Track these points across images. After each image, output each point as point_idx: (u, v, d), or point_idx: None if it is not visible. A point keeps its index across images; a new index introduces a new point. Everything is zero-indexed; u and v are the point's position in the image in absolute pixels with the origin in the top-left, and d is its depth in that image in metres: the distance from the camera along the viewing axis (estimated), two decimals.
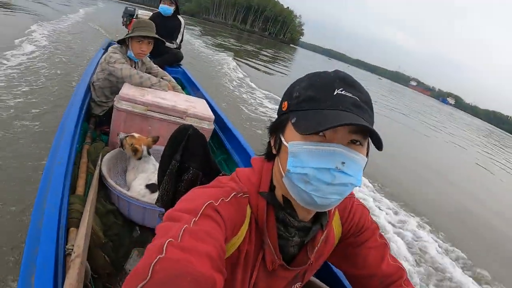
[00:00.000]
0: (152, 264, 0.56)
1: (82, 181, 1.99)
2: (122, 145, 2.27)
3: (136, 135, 2.27)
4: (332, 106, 0.74)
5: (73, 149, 1.99)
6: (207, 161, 1.26)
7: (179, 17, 4.99)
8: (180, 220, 0.69)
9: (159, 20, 4.43)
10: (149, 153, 2.30)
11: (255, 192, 0.87)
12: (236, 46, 31.28)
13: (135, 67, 3.00)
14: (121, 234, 2.00)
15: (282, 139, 0.81)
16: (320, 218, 0.92)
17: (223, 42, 29.08)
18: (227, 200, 0.79)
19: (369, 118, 0.77)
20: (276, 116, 0.88)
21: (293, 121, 0.77)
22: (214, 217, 0.73)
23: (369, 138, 0.78)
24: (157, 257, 0.58)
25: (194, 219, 0.70)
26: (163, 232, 0.66)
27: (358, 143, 0.76)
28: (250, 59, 21.70)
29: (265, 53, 34.25)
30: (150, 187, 2.14)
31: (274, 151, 0.86)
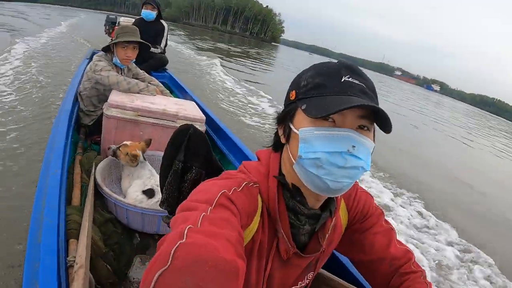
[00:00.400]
0: (173, 249, 0.53)
1: (78, 191, 1.95)
2: (115, 156, 2.23)
3: (128, 142, 2.23)
4: (340, 91, 0.76)
5: (65, 161, 1.94)
6: (209, 159, 1.26)
7: (162, 21, 4.95)
8: (196, 209, 0.67)
9: (142, 26, 4.38)
10: (144, 158, 2.26)
11: (265, 182, 0.86)
12: (218, 47, 31.45)
13: (121, 73, 2.96)
14: (121, 242, 1.96)
15: (292, 126, 0.82)
16: (328, 205, 0.92)
17: (204, 45, 29.14)
18: (239, 190, 0.78)
19: (376, 103, 0.78)
20: (283, 107, 0.89)
21: (303, 107, 0.77)
22: (228, 206, 0.72)
23: (375, 124, 0.79)
24: (178, 243, 0.55)
25: (210, 207, 0.68)
26: (181, 221, 0.63)
27: (365, 128, 0.78)
28: (234, 59, 21.97)
29: (248, 52, 34.82)
30: (147, 193, 2.11)
31: (283, 140, 0.87)
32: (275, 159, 0.90)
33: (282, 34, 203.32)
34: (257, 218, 0.83)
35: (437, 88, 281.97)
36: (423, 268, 1.05)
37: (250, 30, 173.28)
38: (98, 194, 2.01)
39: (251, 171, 0.89)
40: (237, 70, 16.57)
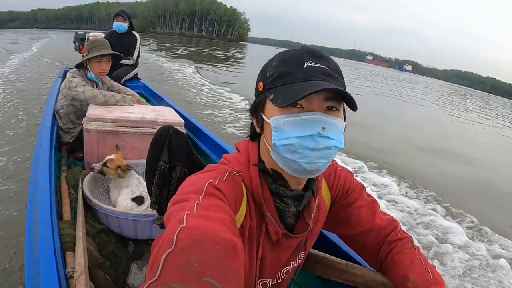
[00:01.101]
0: (176, 232, 0.59)
1: (67, 206, 1.97)
2: (102, 173, 2.23)
3: (112, 156, 2.24)
4: (304, 78, 0.79)
5: (52, 178, 1.96)
6: (191, 157, 1.28)
7: (134, 32, 4.93)
8: (189, 199, 0.72)
9: (114, 38, 4.38)
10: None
11: (246, 170, 0.91)
12: (186, 52, 31.39)
13: (96, 87, 2.97)
14: (116, 251, 1.99)
15: (264, 116, 0.86)
16: (310, 185, 0.97)
17: (173, 52, 29.03)
18: (223, 180, 0.82)
19: (340, 84, 0.83)
20: (254, 98, 0.92)
21: (270, 97, 0.81)
22: (217, 194, 0.76)
23: (344, 103, 0.83)
24: (179, 227, 0.61)
25: (200, 196, 0.73)
26: (177, 211, 0.68)
27: (334, 109, 0.81)
28: (203, 62, 22.27)
29: (216, 53, 35.12)
30: (137, 200, 2.14)
31: (258, 130, 0.91)
32: (253, 148, 0.94)
33: (248, 33, 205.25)
34: (243, 205, 0.87)
35: (409, 68, 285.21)
36: (409, 234, 1.11)
37: (217, 31, 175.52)
38: (88, 206, 2.03)
39: (232, 161, 0.94)
40: (209, 71, 16.98)
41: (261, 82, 0.87)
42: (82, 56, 3.04)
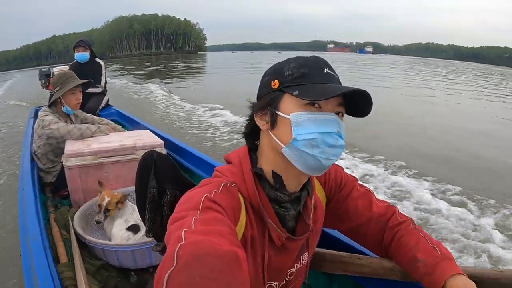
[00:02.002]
0: (175, 251, 0.59)
1: (62, 249, 1.93)
2: (107, 216, 2.18)
3: (105, 196, 2.16)
4: (325, 81, 0.84)
5: (41, 224, 1.92)
6: (179, 178, 1.28)
7: (97, 60, 4.88)
8: (186, 216, 0.72)
9: (78, 69, 4.29)
10: None
11: (241, 180, 0.91)
12: (148, 71, 31.20)
13: (70, 122, 2.92)
14: (119, 285, 1.96)
15: (279, 113, 0.86)
16: (305, 186, 0.98)
17: (136, 72, 28.83)
18: (219, 192, 0.82)
19: None
20: (259, 97, 0.94)
21: (295, 93, 0.83)
22: (214, 207, 0.76)
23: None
24: (178, 245, 0.60)
25: (198, 212, 0.73)
26: (175, 229, 0.68)
27: (340, 114, 0.88)
28: (168, 78, 22.56)
29: (178, 66, 35.42)
30: (132, 229, 2.10)
31: (264, 128, 0.91)
32: (245, 156, 0.94)
33: (205, 42, 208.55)
34: (243, 215, 0.88)
35: (370, 49, 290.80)
36: (409, 216, 1.13)
37: (175, 46, 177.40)
38: (83, 244, 1.99)
39: (226, 173, 0.93)
40: (176, 86, 17.23)
41: (276, 80, 0.88)
42: (50, 92, 2.99)
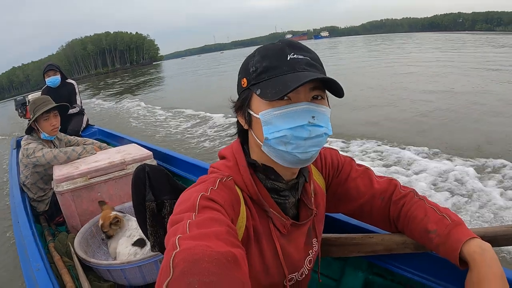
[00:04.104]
0: (171, 260, 0.57)
1: (67, 276, 1.89)
2: (111, 236, 2.16)
3: (101, 221, 2.15)
4: (289, 70, 0.80)
5: (42, 254, 1.88)
6: (175, 187, 1.26)
7: (69, 80, 4.83)
8: (182, 220, 0.70)
9: (52, 93, 4.22)
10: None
11: (237, 173, 0.91)
12: (111, 90, 30.85)
13: (54, 147, 2.87)
14: None
15: (251, 112, 0.85)
16: (301, 172, 0.97)
17: (101, 92, 28.51)
18: (215, 188, 0.82)
19: (322, 73, 0.84)
20: (238, 95, 0.92)
21: (257, 92, 0.81)
22: (211, 205, 0.75)
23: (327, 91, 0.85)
24: (173, 253, 0.59)
25: (194, 214, 0.72)
26: (171, 234, 0.67)
27: (319, 97, 0.83)
28: (134, 90, 22.58)
29: (139, 79, 35.34)
30: (138, 243, 2.06)
31: (245, 127, 0.90)
32: (239, 149, 0.94)
33: (159, 52, 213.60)
34: (242, 208, 0.87)
35: (326, 34, 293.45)
36: (411, 187, 1.11)
37: (129, 60, 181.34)
38: (87, 268, 1.95)
39: (221, 168, 0.93)
40: (145, 97, 17.30)
41: (244, 79, 0.87)
42: (28, 120, 2.94)
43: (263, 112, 0.81)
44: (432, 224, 0.97)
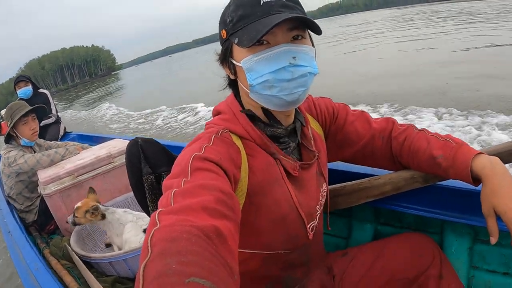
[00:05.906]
0: (149, 238, 0.52)
1: (68, 277, 1.83)
2: (77, 224, 2.08)
3: (79, 204, 2.06)
4: (263, 14, 0.79)
5: (39, 258, 1.82)
6: (171, 158, 1.23)
7: (41, 90, 4.72)
8: (171, 187, 0.66)
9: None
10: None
11: (236, 123, 0.90)
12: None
13: (35, 152, 2.78)
14: None
15: (234, 61, 0.86)
16: (296, 117, 0.97)
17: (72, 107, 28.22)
18: (211, 145, 0.80)
19: (300, 13, 0.82)
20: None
21: (235, 41, 0.81)
22: (205, 166, 0.73)
23: (308, 30, 0.84)
24: (153, 231, 0.54)
25: (184, 179, 0.68)
26: (159, 204, 0.64)
27: (300, 37, 0.82)
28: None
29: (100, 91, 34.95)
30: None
31: (232, 77, 0.90)
32: (233, 100, 0.94)
33: (116, 61, 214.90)
34: (244, 158, 0.86)
35: None
36: (408, 123, 1.12)
37: (88, 73, 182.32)
38: (88, 265, 1.91)
39: (217, 122, 0.92)
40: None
41: (224, 30, 0.86)
42: (3, 135, 2.85)
43: (244, 60, 0.81)
44: (437, 150, 0.98)
